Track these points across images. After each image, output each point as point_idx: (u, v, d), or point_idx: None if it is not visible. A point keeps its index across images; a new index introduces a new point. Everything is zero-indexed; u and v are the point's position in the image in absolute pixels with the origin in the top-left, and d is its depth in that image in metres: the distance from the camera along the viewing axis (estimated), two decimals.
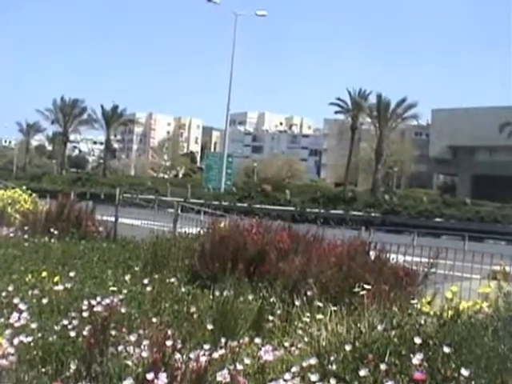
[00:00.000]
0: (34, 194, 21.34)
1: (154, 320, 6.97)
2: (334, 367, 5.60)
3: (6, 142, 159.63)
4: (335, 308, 7.68)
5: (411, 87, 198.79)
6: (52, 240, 13.80)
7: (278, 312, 7.99)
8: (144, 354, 5.66)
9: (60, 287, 7.99)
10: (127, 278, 9.17)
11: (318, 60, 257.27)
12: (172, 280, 9.15)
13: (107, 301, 7.11)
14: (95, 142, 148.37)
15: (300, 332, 7.10)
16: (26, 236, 14.05)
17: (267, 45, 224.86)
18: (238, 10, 65.34)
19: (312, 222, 39.99)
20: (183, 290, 8.75)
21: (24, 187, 22.21)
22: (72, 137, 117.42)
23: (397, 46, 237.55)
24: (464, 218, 46.26)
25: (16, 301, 7.12)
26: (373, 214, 49.03)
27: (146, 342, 5.97)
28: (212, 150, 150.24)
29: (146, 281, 8.77)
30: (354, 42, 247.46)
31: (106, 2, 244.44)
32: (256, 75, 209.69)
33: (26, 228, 15.15)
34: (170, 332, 6.17)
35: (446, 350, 5.88)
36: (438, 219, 47.20)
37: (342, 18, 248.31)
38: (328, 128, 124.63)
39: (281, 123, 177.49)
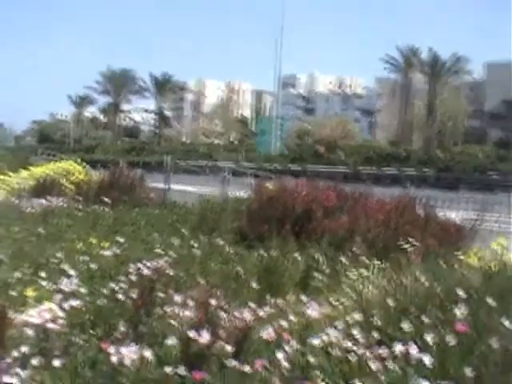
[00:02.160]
0: (87, 166, 21.59)
1: (201, 281, 7.07)
2: (378, 322, 5.63)
3: (61, 115, 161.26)
4: (381, 264, 7.71)
5: (463, 41, 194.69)
6: (104, 208, 14.00)
7: (324, 269, 8.02)
8: (189, 314, 5.76)
9: (109, 252, 8.15)
10: (176, 241, 9.30)
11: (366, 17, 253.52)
12: (220, 242, 9.26)
13: (155, 264, 7.24)
14: (148, 111, 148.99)
15: (345, 288, 7.13)
16: (78, 206, 14.27)
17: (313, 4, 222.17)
18: None
19: (364, 181, 39.84)
20: (230, 251, 8.85)
21: (78, 159, 22.48)
22: (124, 107, 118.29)
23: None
24: None
25: (66, 267, 7.29)
26: (427, 172, 48.62)
27: (191, 303, 6.07)
28: (264, 113, 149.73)
29: (193, 243, 8.91)
30: None
31: None
32: (304, 34, 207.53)
33: (79, 198, 15.38)
34: (215, 291, 6.26)
35: (490, 301, 5.88)
36: (492, 175, 46.64)
37: None
38: (380, 87, 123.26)
39: (330, 82, 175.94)
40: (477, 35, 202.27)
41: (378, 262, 7.65)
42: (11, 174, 20.24)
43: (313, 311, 6.17)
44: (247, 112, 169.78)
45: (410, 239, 8.29)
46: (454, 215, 10.94)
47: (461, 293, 6.10)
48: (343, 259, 8.03)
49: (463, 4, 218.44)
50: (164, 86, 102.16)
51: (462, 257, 8.23)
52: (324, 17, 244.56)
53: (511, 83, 79.36)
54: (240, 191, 15.44)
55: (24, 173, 20.14)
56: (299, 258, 8.24)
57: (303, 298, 6.72)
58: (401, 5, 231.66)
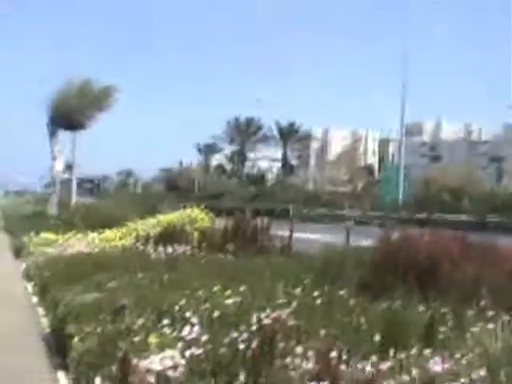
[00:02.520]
0: (211, 213, 21.90)
1: (322, 332, 7.00)
2: (504, 379, 5.43)
3: (188, 163, 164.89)
4: (509, 318, 7.46)
5: None
6: (228, 256, 14.14)
7: (449, 322, 7.82)
8: (309, 366, 5.71)
9: (231, 301, 8.19)
10: (298, 291, 9.28)
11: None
12: (342, 292, 9.18)
13: (276, 314, 7.22)
14: (273, 159, 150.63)
15: (470, 343, 6.92)
16: (202, 253, 14.47)
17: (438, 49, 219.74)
18: None
19: (492, 230, 38.82)
20: (353, 301, 8.74)
21: (202, 206, 22.85)
22: (250, 155, 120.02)
23: None
24: None
25: (188, 314, 7.37)
26: None
27: (312, 354, 6.02)
28: (389, 161, 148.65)
29: (315, 293, 8.85)
30: None
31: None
32: (429, 82, 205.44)
33: (203, 245, 15.60)
34: (336, 343, 6.19)
35: None
36: None
37: None
38: (508, 134, 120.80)
39: (459, 131, 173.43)
40: None
41: (507, 317, 7.39)
42: (139, 221, 20.78)
43: (436, 366, 6.02)
44: (372, 160, 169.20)
45: None
46: None
47: None
48: (469, 312, 7.80)
49: None
50: (289, 134, 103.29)
51: None
52: (448, 66, 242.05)
53: None
54: (364, 240, 15.31)
55: (151, 220, 20.63)
56: (423, 311, 8.07)
57: (427, 351, 6.56)
58: None
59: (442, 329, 7.58)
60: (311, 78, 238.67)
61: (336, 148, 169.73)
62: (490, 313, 7.84)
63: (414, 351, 6.73)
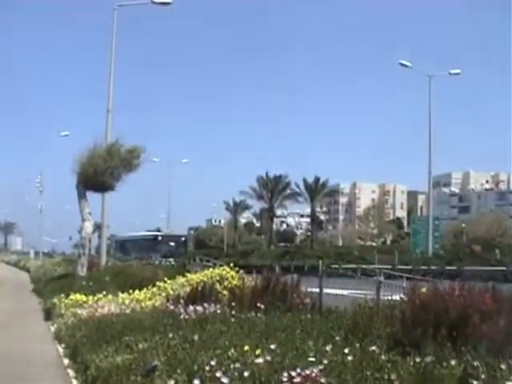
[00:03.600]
0: (241, 271, 21.88)
1: None
2: None
3: (216, 221, 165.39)
4: None
5: None
6: (258, 314, 14.09)
7: (483, 377, 7.72)
8: None
9: (261, 360, 8.16)
10: (328, 347, 9.22)
11: None
12: (373, 348, 9.11)
13: (307, 372, 7.19)
14: (302, 215, 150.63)
15: None
16: (232, 312, 14.43)
17: (461, 102, 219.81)
18: (430, 71, 65.05)
19: None
20: (384, 357, 8.67)
21: (232, 264, 22.82)
22: (278, 212, 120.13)
23: None
24: None
25: (218, 374, 7.35)
26: None
27: None
28: (418, 214, 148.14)
29: (346, 350, 8.80)
30: None
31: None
32: (454, 134, 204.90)
33: (233, 304, 15.56)
34: None
35: None
36: None
37: None
38: None
39: (487, 181, 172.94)
40: None
41: None
42: (168, 280, 20.80)
43: None
44: (400, 213, 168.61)
45: None
46: None
47: None
48: (503, 366, 7.71)
49: None
50: (317, 190, 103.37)
51: None
52: (472, 114, 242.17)
53: None
54: (394, 295, 15.20)
55: (181, 279, 20.63)
56: (456, 366, 7.98)
57: None
58: None
59: (476, 382, 7.49)
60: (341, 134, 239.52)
61: (364, 202, 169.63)
62: None
63: None
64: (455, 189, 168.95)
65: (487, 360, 8.18)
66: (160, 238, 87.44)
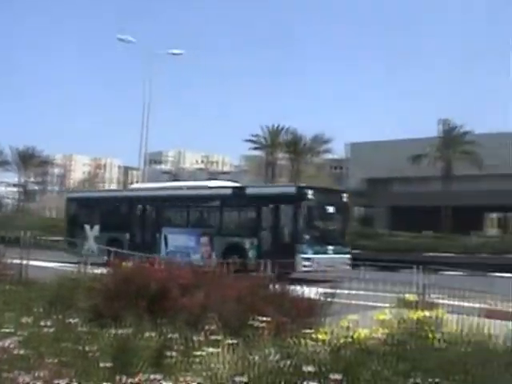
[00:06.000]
0: None
1: (52, 360, 6.93)
2: None
3: None
4: (235, 341, 7.80)
5: (329, 122, 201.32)
6: None
7: (179, 347, 8.02)
8: None
9: None
10: (28, 319, 9.10)
11: (233, 97, 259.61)
12: (74, 320, 9.12)
13: (1, 343, 7.06)
14: (14, 185, 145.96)
15: (199, 366, 7.16)
16: None
17: (179, 83, 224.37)
18: (152, 49, 65.14)
19: None
20: (83, 329, 8.72)
21: None
22: None
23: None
24: (381, 248, 46.83)
25: None
26: None
27: (39, 383, 5.95)
28: None
29: (46, 322, 8.74)
30: (266, 78, 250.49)
31: None
32: (172, 114, 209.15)
33: None
34: (65, 371, 6.16)
35: (337, 376, 6.11)
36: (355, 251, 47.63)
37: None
38: (247, 164, 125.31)
39: (197, 161, 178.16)
40: (340, 115, 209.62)
41: (231, 340, 7.73)
42: None
43: None
44: (117, 187, 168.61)
45: (262, 316, 8.44)
46: (312, 292, 11.20)
47: (309, 368, 6.29)
48: (195, 337, 8.06)
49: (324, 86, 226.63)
50: (28, 159, 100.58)
51: (312, 332, 8.41)
52: (190, 96, 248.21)
53: (372, 162, 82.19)
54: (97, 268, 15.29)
55: None
56: (154, 337, 8.22)
57: (157, 376, 6.70)
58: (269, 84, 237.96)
59: (170, 353, 7.75)
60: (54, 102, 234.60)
61: (78, 174, 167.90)
62: (218, 337, 8.13)
63: (144, 376, 6.85)
64: (170, 167, 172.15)
65: (184, 331, 8.51)
66: None
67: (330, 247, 28.80)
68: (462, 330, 8.89)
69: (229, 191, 31.99)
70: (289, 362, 6.64)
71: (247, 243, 28.85)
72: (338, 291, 11.61)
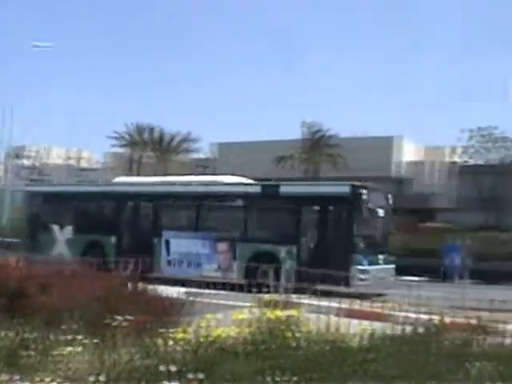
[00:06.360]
0: None
1: None
2: None
3: None
4: (95, 340, 7.78)
5: (197, 122, 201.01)
6: None
7: (37, 346, 7.92)
8: None
9: None
10: None
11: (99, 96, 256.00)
12: None
13: None
14: None
15: (57, 366, 7.11)
16: None
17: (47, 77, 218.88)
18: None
19: None
20: None
21: None
22: None
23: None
24: None
25: None
26: None
27: None
28: None
29: None
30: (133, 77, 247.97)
31: None
32: (39, 108, 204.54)
33: None
34: None
35: (196, 375, 6.26)
36: None
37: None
38: (113, 161, 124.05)
39: (63, 157, 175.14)
40: (207, 118, 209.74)
41: (89, 339, 7.73)
42: None
43: None
44: None
45: (122, 315, 8.46)
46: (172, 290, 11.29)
47: (168, 368, 6.40)
48: (54, 337, 7.99)
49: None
50: None
51: (172, 332, 8.47)
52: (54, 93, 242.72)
53: (239, 163, 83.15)
54: None
55: None
56: (10, 337, 8.08)
57: (14, 376, 6.64)
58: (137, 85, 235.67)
59: (28, 353, 7.65)
60: None
61: None
62: (78, 336, 8.07)
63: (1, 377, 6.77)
64: (34, 162, 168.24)
65: (42, 330, 8.41)
66: None
67: (381, 256, 24.59)
68: (319, 329, 9.14)
69: (256, 189, 26.81)
70: (148, 362, 6.71)
71: (282, 251, 24.03)
72: (201, 291, 11.76)
